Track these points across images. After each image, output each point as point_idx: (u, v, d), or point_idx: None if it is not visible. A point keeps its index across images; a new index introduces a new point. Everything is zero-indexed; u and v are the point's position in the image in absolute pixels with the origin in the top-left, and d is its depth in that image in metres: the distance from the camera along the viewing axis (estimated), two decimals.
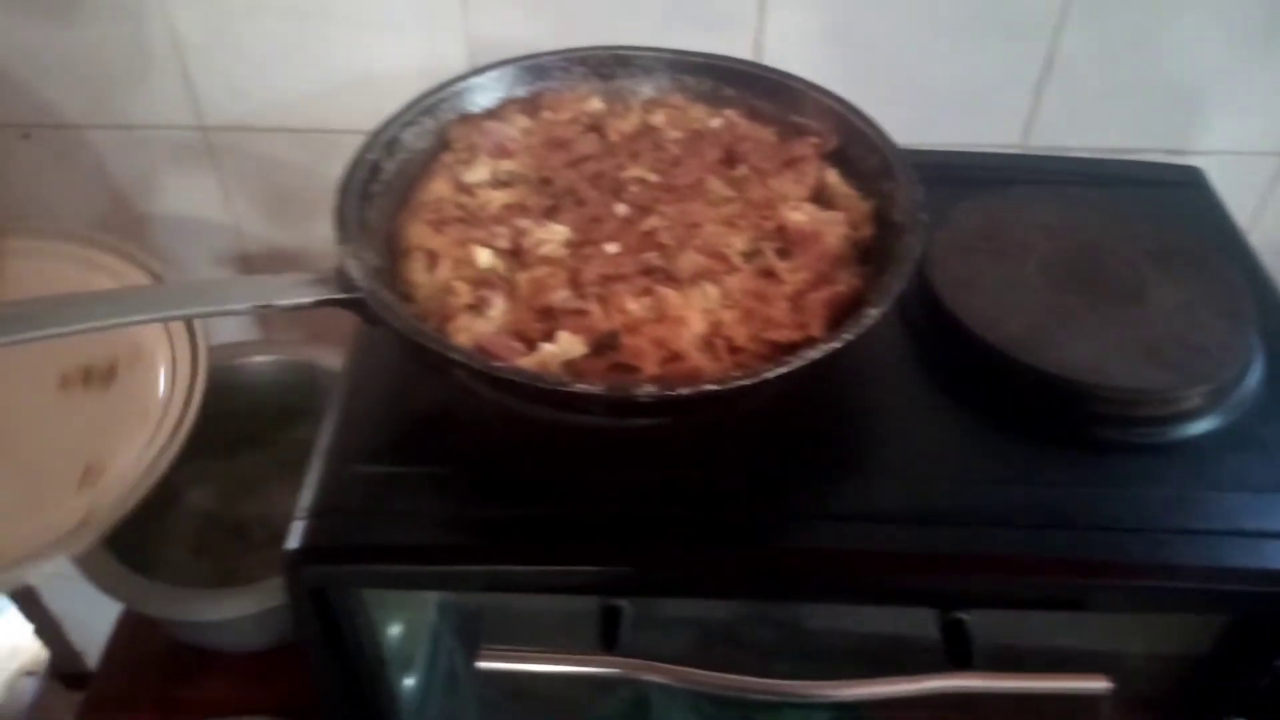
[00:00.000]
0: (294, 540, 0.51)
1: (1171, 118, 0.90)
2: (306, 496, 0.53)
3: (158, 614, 0.81)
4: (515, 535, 0.52)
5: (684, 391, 0.47)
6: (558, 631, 0.59)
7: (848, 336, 0.50)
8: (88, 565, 0.78)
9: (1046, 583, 0.52)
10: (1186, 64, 0.87)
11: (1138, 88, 0.88)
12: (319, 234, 0.99)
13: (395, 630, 0.62)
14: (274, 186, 0.96)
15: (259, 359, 0.92)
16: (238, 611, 0.78)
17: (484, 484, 0.54)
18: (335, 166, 0.91)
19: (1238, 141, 0.92)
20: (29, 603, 1.40)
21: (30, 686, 1.67)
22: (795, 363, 0.48)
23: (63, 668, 1.58)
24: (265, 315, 0.51)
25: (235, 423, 0.93)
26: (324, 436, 0.56)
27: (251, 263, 1.01)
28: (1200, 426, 0.57)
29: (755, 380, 0.48)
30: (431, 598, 0.69)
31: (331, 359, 0.92)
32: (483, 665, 0.51)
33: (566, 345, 0.51)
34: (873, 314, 0.51)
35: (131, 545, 0.80)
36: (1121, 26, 0.84)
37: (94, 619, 1.07)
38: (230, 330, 1.04)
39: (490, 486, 0.54)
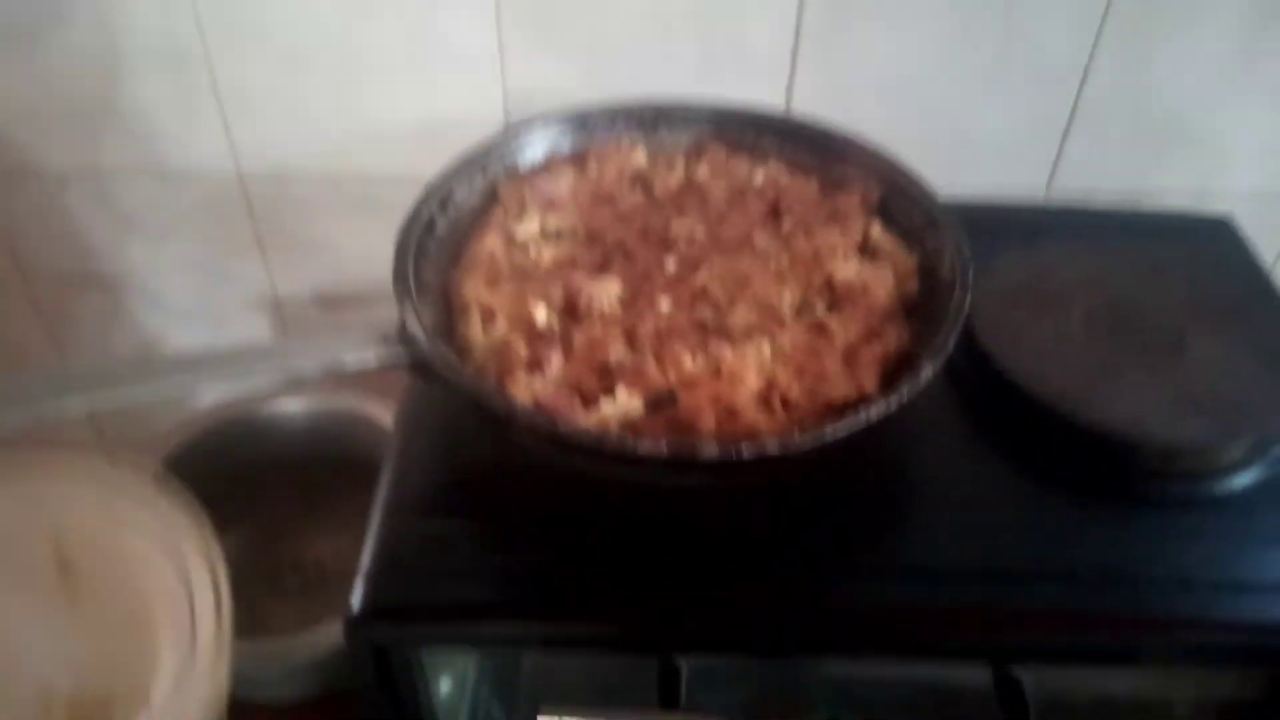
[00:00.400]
0: (357, 601, 0.51)
1: (1194, 162, 0.92)
2: (367, 556, 0.53)
3: None
4: (570, 594, 0.52)
5: (749, 453, 0.48)
6: (598, 683, 0.60)
7: (905, 395, 0.51)
8: None
9: (1096, 637, 0.53)
10: (1208, 109, 0.89)
11: (1161, 132, 0.90)
12: (351, 276, 1.01)
13: (445, 687, 0.62)
14: (307, 232, 0.97)
15: (289, 405, 0.93)
16: (276, 663, 0.78)
17: (540, 540, 0.54)
18: (368, 213, 0.94)
19: (1261, 184, 0.93)
20: None
21: None
22: (856, 424, 0.49)
23: None
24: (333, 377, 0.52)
25: (265, 469, 0.94)
26: (380, 493, 0.57)
27: (282, 306, 1.02)
28: (1244, 480, 0.58)
29: (819, 441, 0.48)
30: (473, 654, 0.69)
31: (361, 405, 0.93)
32: None
33: (625, 403, 0.52)
34: (928, 370, 0.52)
35: None
36: (1145, 74, 0.86)
37: None
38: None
39: (547, 542, 0.54)
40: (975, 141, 0.90)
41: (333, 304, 1.03)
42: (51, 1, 0.81)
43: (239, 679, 0.82)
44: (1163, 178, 0.93)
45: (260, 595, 0.92)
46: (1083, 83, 0.87)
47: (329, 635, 0.78)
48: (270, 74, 0.86)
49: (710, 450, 0.48)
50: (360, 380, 0.99)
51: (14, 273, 1.00)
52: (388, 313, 1.02)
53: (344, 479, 0.95)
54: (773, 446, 0.48)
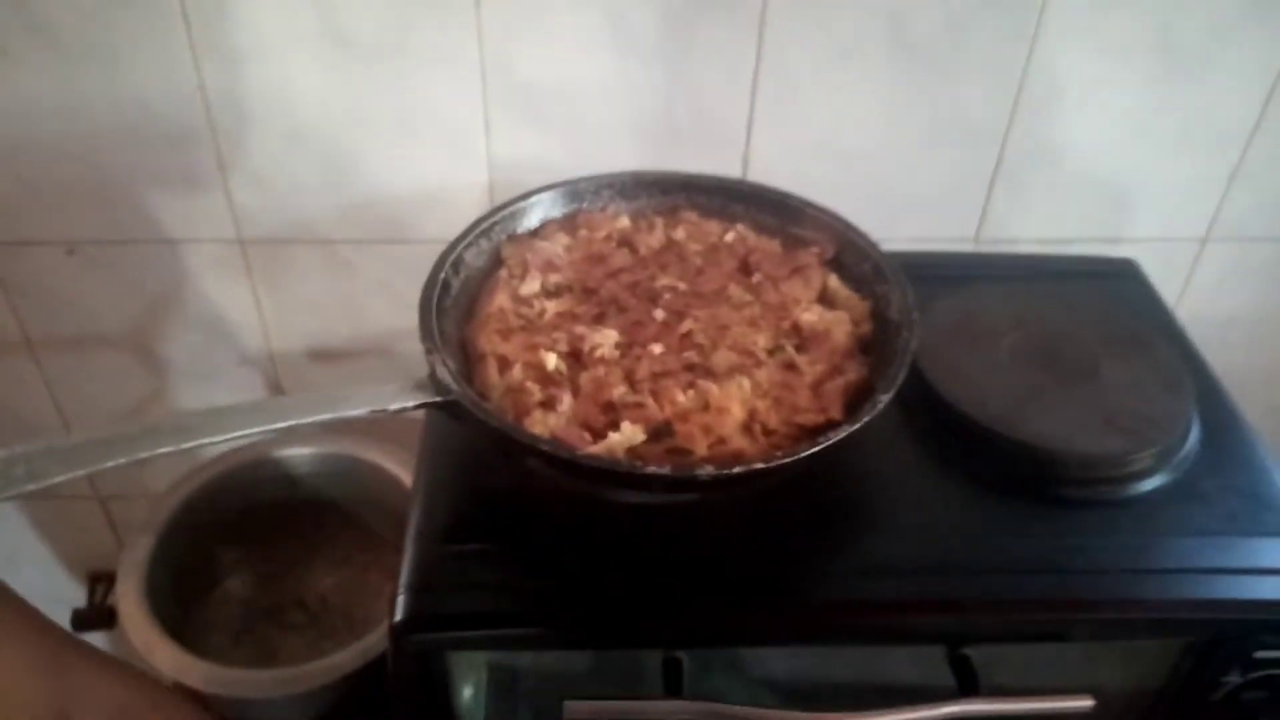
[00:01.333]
0: (398, 613, 0.59)
1: (1104, 211, 1.03)
2: (404, 573, 0.60)
3: (207, 690, 0.86)
4: (584, 599, 0.60)
5: (737, 470, 0.57)
6: (609, 679, 0.68)
7: (866, 419, 0.60)
8: (142, 645, 0.84)
9: (1032, 619, 0.62)
10: (1113, 162, 1.00)
11: (1074, 185, 1.01)
12: (342, 336, 1.08)
13: (467, 693, 0.69)
14: (302, 293, 1.03)
15: (297, 450, 1.00)
16: (292, 689, 0.84)
17: (555, 557, 0.62)
18: (358, 272, 1.01)
19: (1162, 229, 1.05)
20: None
21: None
22: (825, 442, 0.58)
23: None
24: (378, 419, 0.59)
25: (273, 511, 1.00)
26: (412, 521, 0.64)
27: (277, 363, 1.09)
28: (1151, 484, 0.68)
29: (795, 458, 0.57)
30: (480, 660, 0.76)
31: (360, 449, 1.00)
32: (570, 716, 0.59)
33: (629, 434, 0.61)
34: (884, 399, 0.61)
35: (176, 632, 0.86)
36: (1058, 133, 0.97)
37: None
38: None
39: (562, 558, 0.62)
40: (912, 196, 1.00)
41: (324, 359, 1.10)
42: (66, 80, 0.88)
43: (255, 707, 0.88)
44: (1077, 226, 1.04)
45: (269, 629, 0.98)
46: (1004, 143, 0.98)
47: (335, 664, 0.84)
48: (271, 148, 0.93)
49: (707, 470, 0.57)
50: (358, 427, 1.07)
51: (19, 336, 1.05)
52: (377, 364, 1.10)
53: (344, 518, 1.02)
54: (759, 464, 0.57)
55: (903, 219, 1.01)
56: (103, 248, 0.99)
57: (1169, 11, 0.90)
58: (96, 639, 0.88)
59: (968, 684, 0.62)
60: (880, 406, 0.61)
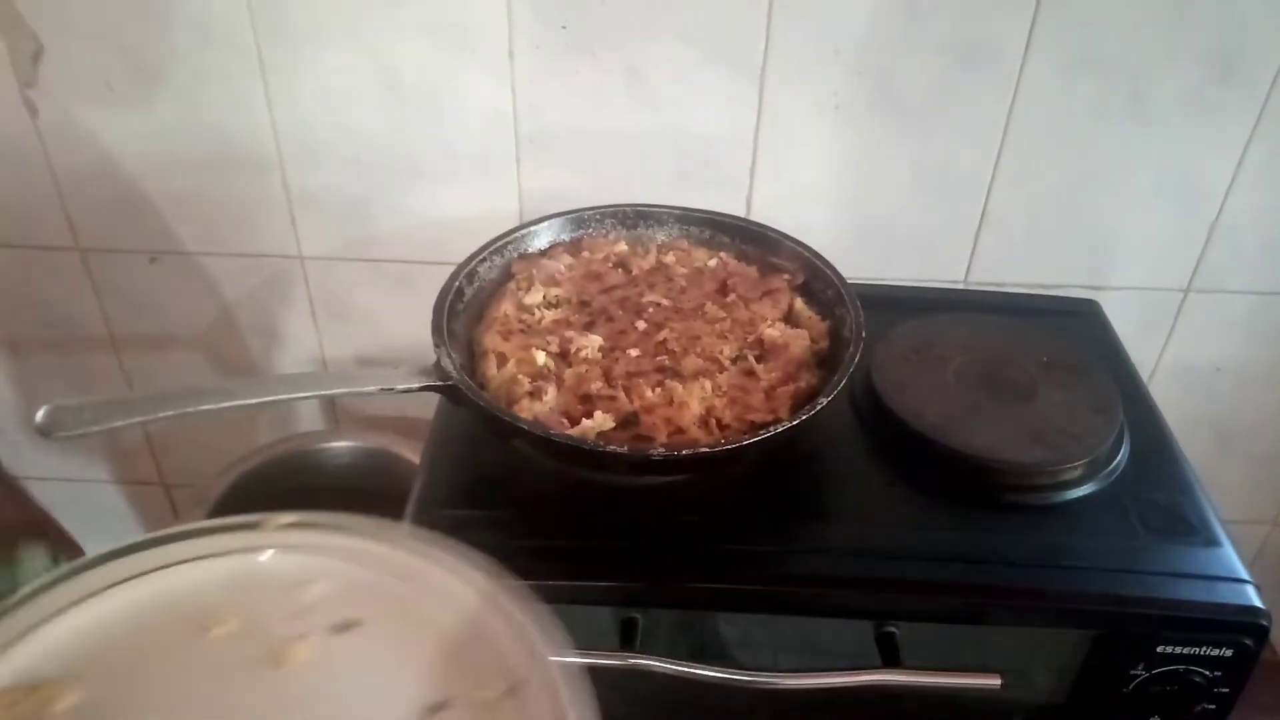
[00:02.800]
0: None
1: (1085, 259, 1.10)
2: None
3: None
4: (557, 561, 0.70)
5: (685, 452, 0.67)
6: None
7: (803, 418, 0.69)
8: None
9: (953, 601, 0.70)
10: (1095, 214, 1.07)
11: (1056, 234, 1.08)
12: (385, 344, 1.20)
13: None
14: (352, 304, 1.16)
15: (336, 444, 1.11)
16: None
17: (535, 524, 0.72)
18: (403, 289, 1.13)
19: (1143, 279, 1.12)
20: None
21: None
22: (765, 434, 0.68)
23: None
24: (387, 395, 0.70)
25: (313, 497, 1.11)
26: (415, 490, 0.75)
27: (329, 368, 1.21)
28: (1076, 493, 0.76)
29: (737, 445, 0.67)
30: None
31: (393, 444, 1.11)
32: None
33: (600, 421, 0.71)
34: (822, 402, 0.70)
35: None
36: (1039, 184, 1.05)
37: None
38: (313, 419, 1.24)
39: (540, 526, 0.72)
40: (903, 240, 1.09)
41: (370, 365, 1.22)
42: (157, 113, 1.02)
43: None
44: (1061, 273, 1.11)
45: None
46: (988, 193, 1.06)
47: None
48: (331, 176, 1.06)
49: (659, 452, 0.67)
50: (394, 425, 1.18)
51: (105, 333, 1.20)
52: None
53: (378, 506, 1.13)
54: (704, 449, 0.67)
55: (895, 261, 1.10)
56: (181, 258, 1.13)
57: (1138, 77, 0.98)
58: None
59: (890, 657, 0.70)
60: (819, 408, 0.70)
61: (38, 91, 1.01)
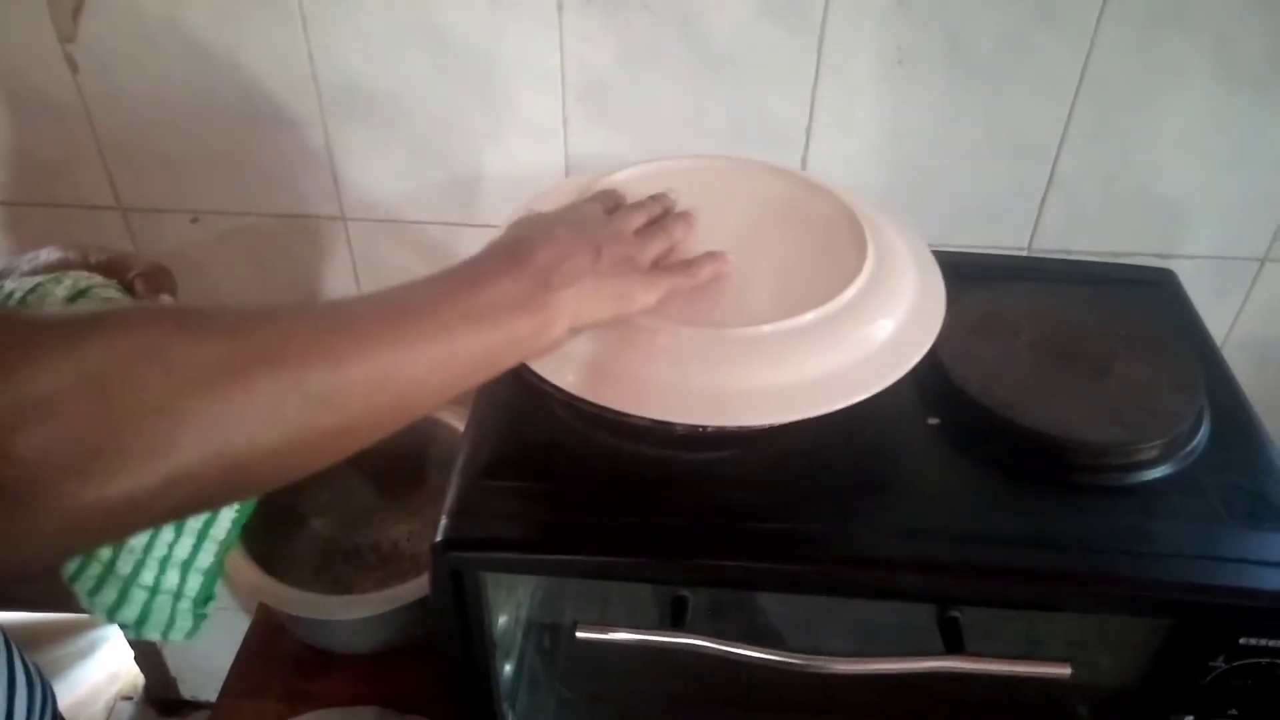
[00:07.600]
0: (439, 534, 0.67)
1: (1158, 226, 1.05)
2: (449, 501, 0.69)
3: (295, 612, 0.95)
4: (606, 537, 0.67)
5: (739, 425, 0.63)
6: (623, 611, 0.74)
7: (863, 395, 0.66)
8: (237, 574, 0.95)
9: (1025, 586, 0.66)
10: (1170, 179, 1.01)
11: (1128, 200, 1.03)
12: None
13: (501, 620, 0.77)
14: (396, 266, 1.14)
15: None
16: (359, 613, 0.93)
17: (583, 498, 0.69)
18: (447, 250, 1.11)
19: (1218, 248, 1.07)
20: None
21: (127, 711, 1.83)
22: (816, 412, 0.64)
23: (157, 693, 1.74)
24: None
25: (356, 463, 1.10)
26: (460, 458, 0.72)
27: None
28: (1153, 474, 0.71)
29: (783, 422, 0.63)
30: (524, 599, 0.84)
31: (441, 411, 1.09)
32: (581, 635, 0.66)
33: None
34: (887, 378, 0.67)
35: (264, 564, 0.97)
36: (1112, 148, 1.00)
37: (190, 648, 1.23)
38: None
39: (588, 500, 0.69)
40: (965, 204, 1.04)
41: None
42: (198, 68, 1.00)
43: (334, 628, 0.98)
44: (1131, 241, 1.06)
45: (345, 567, 1.08)
46: (1056, 157, 1.02)
47: (395, 594, 0.93)
48: (373, 136, 1.03)
49: (711, 425, 0.64)
50: None
51: None
52: None
53: (418, 474, 1.11)
54: (751, 425, 0.64)
55: (957, 226, 1.05)
56: (222, 218, 1.12)
57: (1226, 30, 0.92)
58: None
59: (954, 643, 0.67)
60: (884, 384, 0.66)
61: (78, 46, 0.99)
